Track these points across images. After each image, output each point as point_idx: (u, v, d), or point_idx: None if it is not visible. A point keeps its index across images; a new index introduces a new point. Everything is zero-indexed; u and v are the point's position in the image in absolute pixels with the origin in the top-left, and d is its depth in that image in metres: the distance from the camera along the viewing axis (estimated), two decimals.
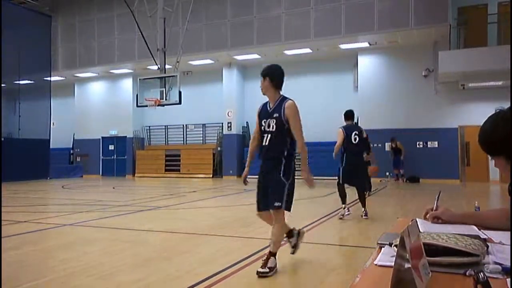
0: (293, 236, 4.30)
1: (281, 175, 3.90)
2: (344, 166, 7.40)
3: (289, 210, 3.95)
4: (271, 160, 4.00)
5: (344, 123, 7.66)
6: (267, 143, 4.00)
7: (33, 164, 18.65)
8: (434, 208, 1.78)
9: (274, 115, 3.99)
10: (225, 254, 4.78)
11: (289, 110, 3.92)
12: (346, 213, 7.27)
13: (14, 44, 18.12)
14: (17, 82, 19.33)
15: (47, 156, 19.79)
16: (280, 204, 3.85)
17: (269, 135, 3.99)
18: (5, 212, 8.09)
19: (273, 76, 4.04)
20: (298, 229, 4.37)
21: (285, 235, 4.23)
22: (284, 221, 4.06)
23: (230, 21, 17.59)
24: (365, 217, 7.16)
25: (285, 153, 3.95)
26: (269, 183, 3.95)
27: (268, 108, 4.09)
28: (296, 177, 4.01)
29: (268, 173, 4.00)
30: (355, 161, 7.42)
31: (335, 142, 7.44)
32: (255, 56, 18.03)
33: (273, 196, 3.89)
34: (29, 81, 20.13)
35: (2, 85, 18.62)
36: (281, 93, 4.12)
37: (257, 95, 18.76)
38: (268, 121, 4.02)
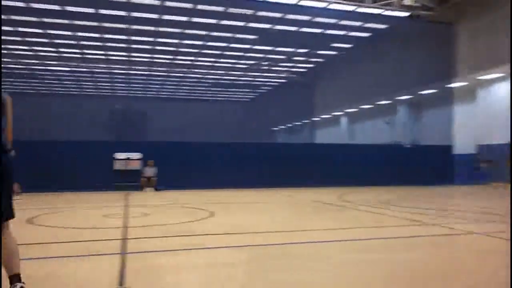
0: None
1: None
2: None
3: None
4: None
5: None
6: None
7: (436, 169, 19.27)
8: None
9: None
10: None
11: None
12: None
13: (416, 57, 19.41)
14: (421, 92, 20.57)
15: (451, 161, 19.97)
16: None
17: None
18: (414, 214, 8.58)
19: None
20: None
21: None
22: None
23: None
24: None
25: None
26: None
27: None
28: None
29: None
30: None
31: None
32: None
33: None
34: (431, 90, 20.97)
35: (408, 96, 20.29)
36: None
37: None
38: None
